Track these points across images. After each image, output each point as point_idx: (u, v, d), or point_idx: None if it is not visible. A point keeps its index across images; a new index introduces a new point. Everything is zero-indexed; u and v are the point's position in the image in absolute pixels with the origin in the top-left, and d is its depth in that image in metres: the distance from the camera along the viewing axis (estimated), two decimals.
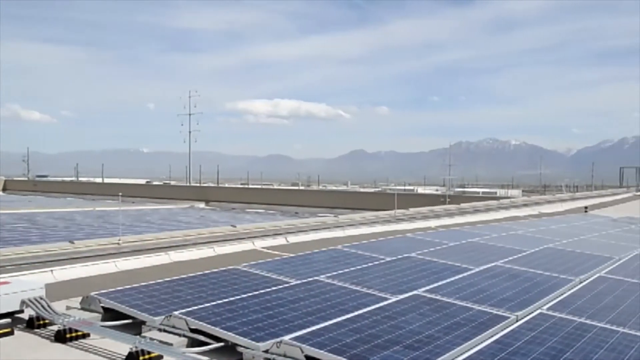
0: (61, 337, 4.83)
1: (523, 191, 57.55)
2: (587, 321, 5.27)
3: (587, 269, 8.08)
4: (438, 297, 5.87)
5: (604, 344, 4.66)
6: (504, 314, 5.49)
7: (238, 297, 5.68)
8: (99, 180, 59.24)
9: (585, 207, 24.01)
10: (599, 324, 5.20)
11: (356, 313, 5.16)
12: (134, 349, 4.32)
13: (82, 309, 5.61)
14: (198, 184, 55.92)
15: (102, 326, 4.97)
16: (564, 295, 6.25)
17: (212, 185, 56.24)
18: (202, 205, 37.68)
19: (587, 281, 7.06)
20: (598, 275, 7.43)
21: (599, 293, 6.45)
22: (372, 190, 58.50)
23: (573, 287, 6.79)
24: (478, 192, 50.02)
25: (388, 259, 8.20)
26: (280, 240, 11.67)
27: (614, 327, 5.14)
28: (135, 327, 5.12)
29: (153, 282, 6.36)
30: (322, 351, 4.18)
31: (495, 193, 49.65)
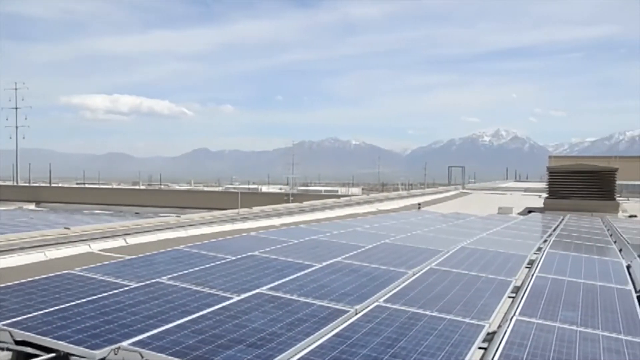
0: None
1: (363, 189, 60.06)
2: (419, 311, 5.62)
3: (419, 262, 8.62)
4: (281, 295, 5.94)
5: (433, 331, 5.00)
6: (343, 308, 5.69)
7: (72, 303, 5.33)
8: None
9: (419, 204, 25.62)
10: (429, 313, 5.57)
11: (199, 314, 5.07)
12: None
13: None
14: (27, 184, 51.87)
15: None
16: (399, 288, 6.60)
17: (44, 185, 52.51)
18: (31, 206, 35.07)
19: (419, 273, 7.52)
20: (429, 267, 7.95)
21: (429, 284, 6.90)
22: (216, 189, 57.96)
23: (407, 279, 7.20)
24: (320, 191, 51.44)
25: (231, 258, 8.16)
26: (119, 242, 11.18)
27: (442, 315, 5.53)
28: None
29: None
30: (163, 355, 4.06)
31: (337, 191, 51.39)
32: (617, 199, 25.42)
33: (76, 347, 4.29)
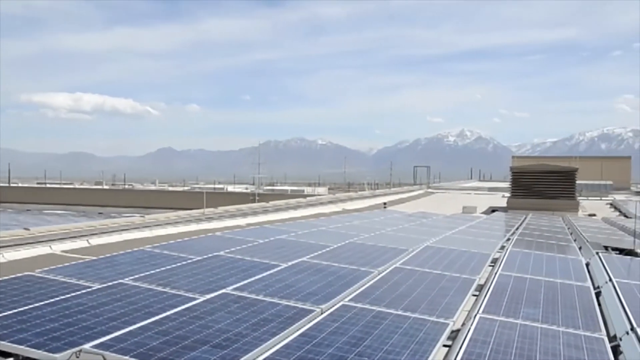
0: None
1: (329, 189, 60.15)
2: (385, 309, 5.65)
3: (385, 261, 8.67)
4: (246, 295, 5.91)
5: (398, 329, 5.04)
6: (309, 307, 5.69)
7: (31, 306, 5.22)
8: None
9: (385, 204, 25.81)
10: (394, 312, 5.61)
11: (163, 315, 5.02)
12: None
13: None
14: None
15: None
16: (365, 287, 6.63)
17: (3, 184, 51.29)
18: None
19: (385, 272, 7.56)
20: (394, 266, 8.00)
21: (395, 283, 6.94)
22: (181, 189, 57.46)
23: (373, 278, 7.23)
24: (287, 190, 51.39)
25: (196, 258, 8.09)
26: (81, 243, 10.98)
27: (407, 314, 5.57)
28: None
29: None
30: (126, 357, 4.00)
31: (303, 191, 51.39)
32: (577, 198, 25.98)
33: (36, 350, 4.20)
